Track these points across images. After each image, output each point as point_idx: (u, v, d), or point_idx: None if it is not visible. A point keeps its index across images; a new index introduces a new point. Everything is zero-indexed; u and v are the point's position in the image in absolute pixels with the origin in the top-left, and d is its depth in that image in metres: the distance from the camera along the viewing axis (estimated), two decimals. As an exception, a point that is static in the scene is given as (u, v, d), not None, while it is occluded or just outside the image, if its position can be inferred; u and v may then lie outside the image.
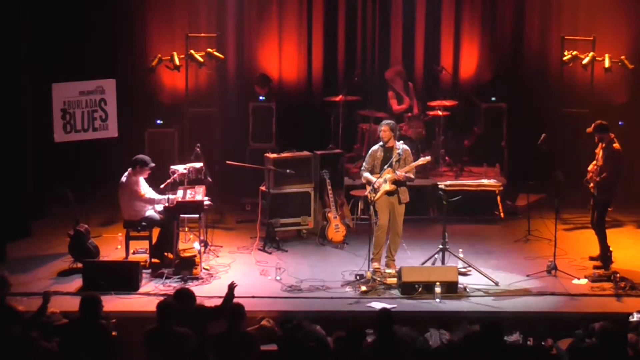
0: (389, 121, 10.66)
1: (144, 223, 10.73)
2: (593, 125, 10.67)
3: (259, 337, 8.67)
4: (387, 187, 10.37)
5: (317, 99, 14.37)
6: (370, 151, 10.63)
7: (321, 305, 9.66)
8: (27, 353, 7.40)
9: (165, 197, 10.66)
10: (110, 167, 11.74)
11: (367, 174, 10.50)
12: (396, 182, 10.38)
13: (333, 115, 13.39)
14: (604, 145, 10.57)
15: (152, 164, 10.77)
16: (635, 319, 8.70)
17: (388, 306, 9.49)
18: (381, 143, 10.51)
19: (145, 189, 10.76)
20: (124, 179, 10.67)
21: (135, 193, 10.62)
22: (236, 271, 10.72)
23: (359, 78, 13.88)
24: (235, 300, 8.40)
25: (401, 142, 10.59)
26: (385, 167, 10.36)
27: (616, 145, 10.53)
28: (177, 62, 13.52)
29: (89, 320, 7.73)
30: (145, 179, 10.80)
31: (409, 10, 14.39)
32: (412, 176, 10.48)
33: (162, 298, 8.97)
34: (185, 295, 8.09)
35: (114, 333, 8.04)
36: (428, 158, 10.80)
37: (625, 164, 10.94)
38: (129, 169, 10.71)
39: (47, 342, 7.68)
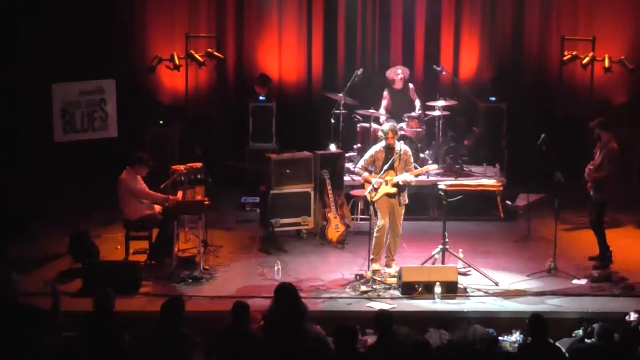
0: (391, 124, 10.60)
1: (142, 223, 10.74)
2: (596, 120, 10.65)
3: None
4: (389, 189, 10.37)
5: (317, 99, 14.38)
6: (371, 151, 10.59)
7: (321, 305, 9.66)
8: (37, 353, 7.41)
9: (165, 196, 10.67)
10: (110, 167, 11.73)
11: (366, 174, 10.49)
12: (397, 185, 10.38)
13: (333, 116, 13.39)
14: (601, 144, 10.57)
15: (151, 163, 10.78)
16: (632, 318, 8.70)
17: (387, 307, 9.51)
18: (384, 144, 10.49)
19: (142, 186, 10.76)
20: (122, 176, 10.68)
21: (133, 189, 10.63)
22: (236, 271, 10.73)
23: (358, 79, 13.88)
24: (236, 300, 8.38)
25: (401, 142, 10.59)
26: (386, 168, 10.35)
27: (614, 145, 10.53)
28: (177, 62, 13.54)
29: (102, 318, 7.72)
30: (143, 177, 10.81)
31: (409, 10, 14.40)
32: (413, 181, 10.46)
33: (163, 298, 8.92)
34: (285, 290, 8.04)
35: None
36: (436, 166, 10.83)
37: (624, 164, 10.94)
38: (127, 167, 10.72)
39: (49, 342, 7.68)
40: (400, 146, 10.45)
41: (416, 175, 10.49)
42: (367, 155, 10.61)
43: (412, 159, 10.52)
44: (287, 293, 7.97)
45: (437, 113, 13.30)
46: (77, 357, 7.49)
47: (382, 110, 13.46)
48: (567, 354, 7.96)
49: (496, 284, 10.21)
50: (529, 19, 14.46)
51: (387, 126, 10.53)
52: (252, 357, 7.49)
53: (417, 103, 13.50)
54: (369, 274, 10.22)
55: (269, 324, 7.83)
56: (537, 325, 7.59)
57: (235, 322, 7.63)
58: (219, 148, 13.39)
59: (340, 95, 13.35)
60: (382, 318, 7.69)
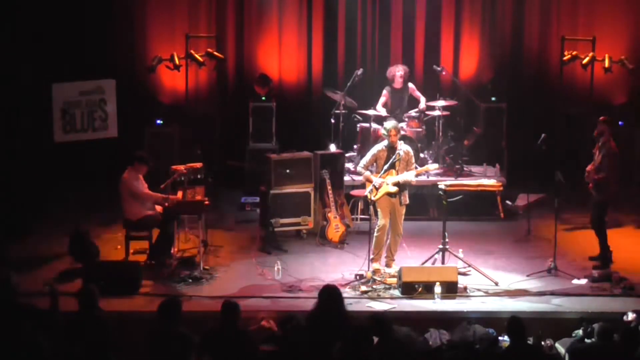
0: (393, 122, 10.59)
1: (142, 223, 10.74)
2: (607, 117, 10.66)
3: (259, 337, 8.68)
4: (390, 188, 10.37)
5: (317, 99, 14.38)
6: (373, 150, 10.57)
7: (321, 305, 9.65)
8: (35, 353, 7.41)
9: (165, 196, 10.67)
10: (110, 167, 11.76)
11: (367, 173, 10.47)
12: (398, 184, 10.37)
13: (333, 116, 13.39)
14: (600, 144, 10.59)
15: (151, 162, 10.78)
16: (630, 318, 8.70)
17: (387, 307, 9.52)
18: (385, 143, 10.48)
19: (143, 186, 10.78)
20: (124, 175, 10.69)
21: (134, 189, 10.63)
22: (236, 271, 10.73)
23: (358, 79, 13.88)
24: (234, 300, 8.39)
25: (401, 142, 10.58)
26: (386, 167, 10.34)
27: (612, 144, 10.55)
28: (177, 62, 13.54)
29: (86, 313, 7.73)
30: (143, 175, 10.82)
31: (409, 10, 14.40)
32: (413, 180, 10.46)
33: (163, 298, 8.92)
34: (332, 293, 8.04)
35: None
36: (437, 165, 10.83)
37: (624, 164, 10.95)
38: (129, 167, 10.73)
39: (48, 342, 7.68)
40: (402, 146, 10.44)
41: (417, 175, 10.48)
42: (368, 155, 10.59)
43: (413, 159, 10.51)
44: (331, 295, 7.96)
45: (437, 113, 13.30)
46: (76, 357, 7.50)
47: (379, 107, 13.44)
48: (567, 354, 7.98)
49: (496, 284, 10.21)
50: (529, 19, 14.46)
51: (389, 124, 10.52)
52: (242, 356, 7.50)
53: (422, 100, 13.47)
54: (369, 274, 10.21)
55: (312, 325, 7.80)
56: (515, 328, 7.60)
57: (225, 321, 7.63)
58: (219, 148, 13.39)
59: (340, 94, 13.34)
60: (377, 322, 7.66)
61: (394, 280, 10.17)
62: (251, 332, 8.52)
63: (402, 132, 12.40)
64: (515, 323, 7.61)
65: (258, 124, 13.84)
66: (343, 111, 13.36)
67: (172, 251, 10.63)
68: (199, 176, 11.05)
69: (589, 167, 10.70)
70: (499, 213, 11.90)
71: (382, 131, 10.53)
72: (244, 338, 7.71)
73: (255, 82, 14.05)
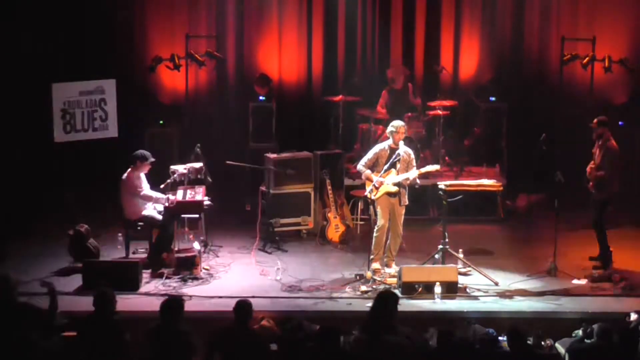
0: (401, 122, 10.59)
1: (142, 223, 10.74)
2: (599, 118, 10.68)
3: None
4: (390, 188, 10.36)
5: (317, 99, 14.38)
6: (375, 149, 10.55)
7: (321, 305, 9.66)
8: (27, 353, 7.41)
9: (165, 196, 10.67)
10: (110, 167, 11.76)
11: (368, 172, 10.47)
12: (398, 183, 10.37)
13: (333, 116, 13.38)
14: (600, 143, 10.59)
15: (152, 159, 10.78)
16: (632, 318, 8.70)
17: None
18: (388, 143, 10.46)
19: (144, 186, 10.78)
20: (124, 175, 10.69)
21: (134, 189, 10.63)
22: (236, 271, 10.73)
23: (359, 78, 13.88)
24: (239, 299, 8.38)
25: (402, 142, 10.57)
26: (387, 167, 10.34)
27: (612, 143, 10.55)
28: (177, 62, 13.53)
29: (102, 317, 7.73)
30: (145, 174, 10.81)
31: (409, 10, 14.39)
32: (418, 181, 10.46)
33: (163, 298, 8.92)
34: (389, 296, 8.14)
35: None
36: (438, 166, 10.83)
37: (624, 163, 10.94)
38: (130, 166, 10.73)
39: (47, 342, 7.68)
40: (403, 147, 10.43)
41: (418, 175, 10.46)
42: (370, 154, 10.56)
43: (414, 162, 10.50)
44: (391, 300, 8.01)
45: (437, 113, 13.29)
46: (76, 357, 7.50)
47: (379, 108, 13.42)
48: (566, 354, 7.98)
49: (496, 284, 10.21)
50: (529, 19, 14.44)
51: (397, 122, 10.49)
52: (253, 355, 7.51)
53: (418, 102, 13.48)
54: (369, 274, 10.22)
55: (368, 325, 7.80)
56: (515, 337, 7.60)
57: (238, 320, 7.64)
58: (219, 148, 13.38)
59: (340, 96, 13.34)
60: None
61: (394, 280, 10.17)
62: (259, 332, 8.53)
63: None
64: (514, 333, 7.61)
65: (258, 124, 13.84)
66: (343, 111, 13.36)
67: (172, 251, 10.62)
68: (199, 176, 11.05)
69: (589, 167, 10.69)
70: (499, 213, 11.91)
71: (390, 128, 10.48)
72: (256, 337, 7.72)
73: (255, 82, 14.04)
